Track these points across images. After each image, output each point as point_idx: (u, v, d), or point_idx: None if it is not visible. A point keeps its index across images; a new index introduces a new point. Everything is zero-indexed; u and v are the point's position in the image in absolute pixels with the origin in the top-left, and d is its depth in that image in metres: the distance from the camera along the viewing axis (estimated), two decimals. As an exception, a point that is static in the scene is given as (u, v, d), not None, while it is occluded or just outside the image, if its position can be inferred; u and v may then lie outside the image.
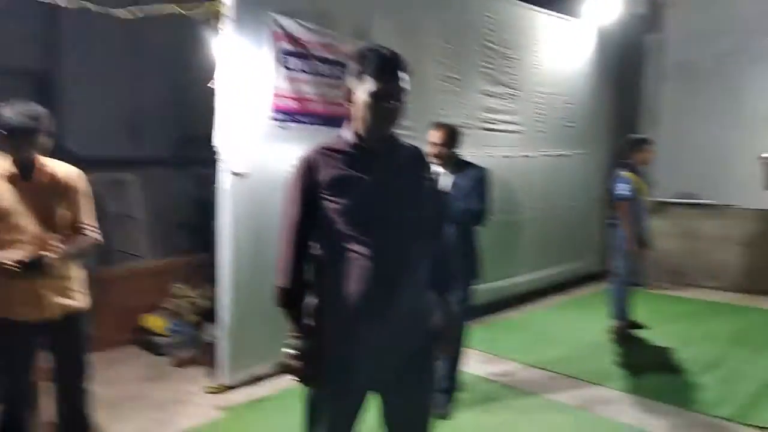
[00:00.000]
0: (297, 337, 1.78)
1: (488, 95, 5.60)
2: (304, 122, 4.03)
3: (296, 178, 1.78)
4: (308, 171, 1.76)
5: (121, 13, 3.88)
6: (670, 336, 4.97)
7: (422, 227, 1.85)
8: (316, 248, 1.82)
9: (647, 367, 4.31)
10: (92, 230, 2.63)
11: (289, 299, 1.79)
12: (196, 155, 5.65)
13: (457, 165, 3.40)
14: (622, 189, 4.76)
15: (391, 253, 1.75)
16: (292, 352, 1.76)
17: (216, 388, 3.80)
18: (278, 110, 3.90)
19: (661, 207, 7.26)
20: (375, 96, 1.70)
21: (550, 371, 4.22)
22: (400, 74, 1.73)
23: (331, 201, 1.74)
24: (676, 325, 5.32)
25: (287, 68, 3.94)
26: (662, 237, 7.01)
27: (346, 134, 1.81)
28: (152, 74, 5.78)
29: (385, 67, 1.71)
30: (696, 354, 4.51)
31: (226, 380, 3.80)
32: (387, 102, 1.71)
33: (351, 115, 1.80)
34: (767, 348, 4.61)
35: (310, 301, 1.83)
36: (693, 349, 4.64)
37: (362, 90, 1.72)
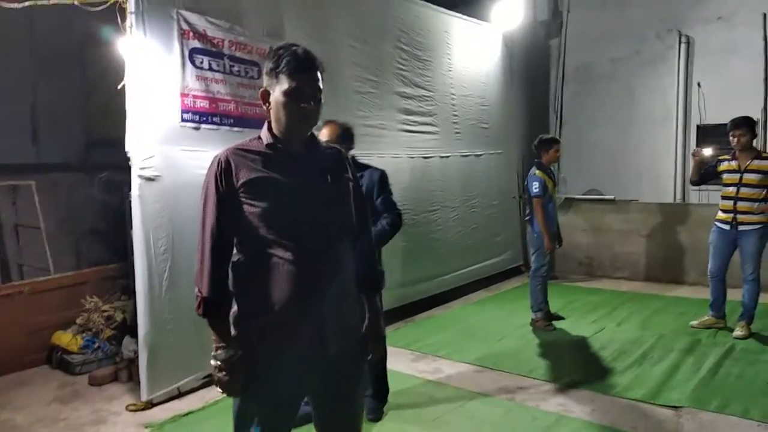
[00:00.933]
0: (222, 348, 1.67)
1: (404, 97, 5.65)
2: (216, 123, 3.88)
3: (211, 181, 1.68)
4: (224, 173, 1.67)
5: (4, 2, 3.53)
6: (585, 325, 5.20)
7: (346, 228, 1.80)
8: (235, 254, 1.73)
9: (566, 357, 4.48)
10: None
11: (213, 309, 1.68)
12: (104, 159, 5.34)
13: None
14: (534, 187, 4.95)
15: (315, 255, 1.69)
16: (218, 363, 1.66)
17: (138, 405, 3.57)
18: (188, 110, 3.73)
19: (571, 203, 7.64)
20: (291, 95, 1.65)
21: (476, 365, 4.29)
22: (316, 73, 1.69)
23: (249, 204, 1.66)
24: (590, 314, 5.57)
25: (197, 67, 3.78)
26: (573, 231, 7.37)
27: (264, 135, 1.74)
28: (55, 74, 5.38)
29: (300, 65, 1.66)
30: (609, 341, 4.74)
31: (148, 396, 3.57)
32: (303, 101, 1.67)
33: (268, 116, 1.74)
34: (673, 333, 4.91)
35: (233, 309, 1.73)
36: (606, 337, 4.87)
37: (278, 90, 1.67)
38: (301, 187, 1.70)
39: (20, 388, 3.96)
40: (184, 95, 3.68)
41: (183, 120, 3.69)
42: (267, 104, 1.72)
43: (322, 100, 1.72)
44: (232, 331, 1.71)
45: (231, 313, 1.73)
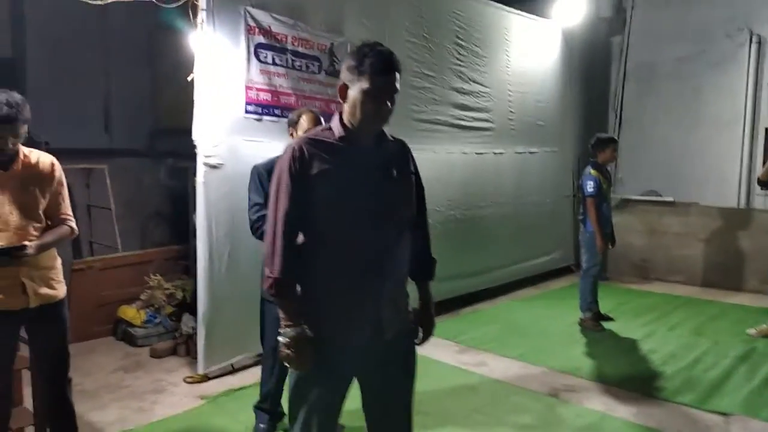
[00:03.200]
0: (290, 326, 1.77)
1: (461, 92, 5.68)
2: (278, 115, 4.05)
3: (285, 168, 1.77)
4: (298, 162, 1.75)
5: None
6: (635, 328, 5.12)
7: (407, 220, 1.90)
8: (302, 239, 1.82)
9: (613, 358, 4.43)
10: (69, 220, 2.63)
11: (282, 289, 1.78)
12: (169, 147, 5.65)
13: None
14: (589, 186, 4.90)
15: (377, 246, 1.79)
16: (286, 340, 1.77)
17: (195, 377, 3.81)
18: (252, 103, 3.91)
19: (627, 204, 7.48)
20: (370, 94, 1.72)
21: (520, 361, 4.32)
22: (396, 75, 1.76)
23: (320, 193, 1.75)
24: (641, 317, 5.47)
25: (261, 61, 3.95)
26: (628, 233, 7.23)
27: (335, 127, 1.82)
28: (126, 65, 5.72)
29: (383, 66, 1.73)
30: (660, 345, 4.66)
31: (204, 370, 3.81)
32: (381, 101, 1.74)
33: (342, 110, 1.81)
34: (727, 339, 4.78)
35: (298, 289, 1.83)
36: (657, 341, 4.79)
37: (358, 87, 1.73)
38: (369, 181, 1.79)
39: (88, 355, 4.28)
40: (248, 88, 3.87)
41: (247, 112, 3.87)
42: (344, 98, 1.79)
43: (396, 100, 1.79)
44: (300, 310, 1.80)
45: (297, 292, 1.82)
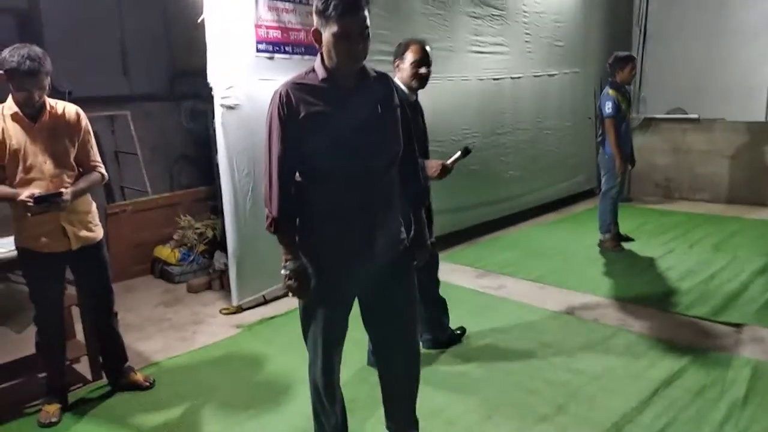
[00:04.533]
0: (290, 259, 1.93)
1: (474, 17, 5.56)
2: (289, 52, 4.07)
3: (274, 112, 1.85)
4: (285, 107, 1.84)
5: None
6: (655, 247, 5.19)
7: (395, 153, 1.98)
8: (297, 177, 1.93)
9: (631, 276, 4.54)
10: (98, 166, 2.79)
11: (281, 226, 1.91)
12: (188, 89, 5.72)
13: None
14: (607, 107, 4.85)
15: (367, 179, 1.90)
16: (287, 272, 1.93)
17: (230, 309, 4.06)
18: (262, 41, 3.93)
19: (650, 123, 7.36)
20: (341, 37, 1.77)
21: (538, 282, 4.46)
22: (362, 13, 1.79)
23: (310, 135, 1.84)
24: (662, 236, 5.53)
25: (269, -2, 3.93)
26: (652, 152, 7.15)
27: (318, 69, 1.88)
28: (137, 10, 5.73)
29: (348, 8, 1.75)
30: (678, 262, 4.74)
31: (238, 302, 4.05)
32: (353, 41, 1.79)
33: (321, 51, 1.86)
34: (746, 254, 4.83)
35: (297, 225, 1.97)
36: (676, 258, 4.87)
37: (328, 32, 1.78)
38: (355, 118, 1.88)
39: (130, 293, 4.58)
40: (258, 26, 3.88)
41: (258, 50, 3.90)
42: (319, 43, 1.84)
43: (370, 35, 1.84)
44: (300, 243, 1.96)
45: (295, 229, 1.97)
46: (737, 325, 3.52)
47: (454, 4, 5.34)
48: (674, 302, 3.95)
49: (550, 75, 6.58)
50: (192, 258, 4.86)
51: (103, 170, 2.82)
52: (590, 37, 7.13)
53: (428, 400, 2.62)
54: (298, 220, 1.96)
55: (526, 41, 6.21)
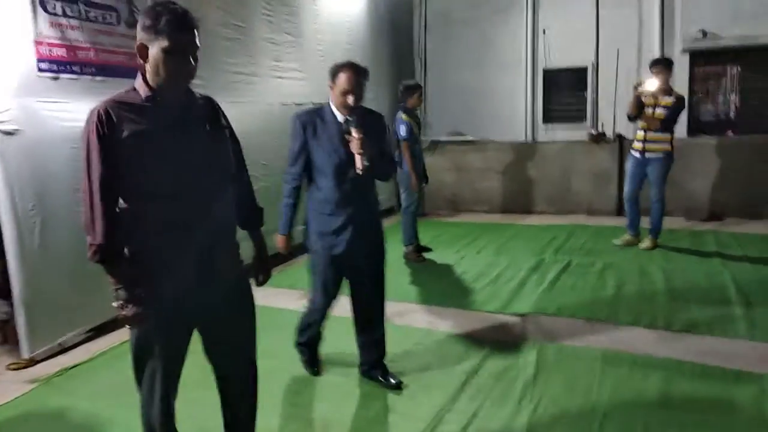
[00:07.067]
0: (120, 288, 1.79)
1: (273, 43, 5.67)
2: (77, 72, 3.74)
3: (92, 132, 1.73)
4: (105, 126, 1.72)
5: None
6: (450, 255, 5.81)
7: (227, 172, 1.97)
8: (121, 202, 1.82)
9: (434, 282, 5.02)
10: None
11: (107, 254, 1.77)
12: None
13: None
14: (402, 130, 5.31)
15: (198, 199, 1.85)
16: (119, 302, 1.78)
17: (19, 363, 3.53)
18: (45, 59, 3.56)
19: (436, 145, 8.19)
20: (171, 53, 1.73)
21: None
22: (195, 32, 1.78)
23: (134, 155, 1.74)
24: (454, 245, 6.19)
25: (49, 13, 3.59)
26: (440, 171, 7.96)
27: (140, 87, 1.81)
28: None
29: (181, 25, 1.74)
30: (470, 266, 5.37)
31: (30, 354, 3.54)
32: (182, 59, 1.76)
33: (144, 70, 1.80)
34: (522, 255, 5.65)
35: (125, 251, 1.84)
36: (467, 263, 5.50)
37: (157, 47, 1.73)
38: (183, 137, 1.82)
39: None
40: (38, 43, 3.50)
41: (40, 70, 3.51)
42: (144, 59, 1.77)
43: (199, 57, 1.83)
44: (129, 271, 1.81)
45: (123, 255, 1.82)
46: (522, 315, 4.10)
47: (252, 30, 5.40)
48: (471, 301, 4.45)
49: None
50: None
51: None
52: (381, 65, 7.71)
53: (264, 421, 2.59)
54: (127, 244, 1.83)
55: (323, 68, 6.47)
